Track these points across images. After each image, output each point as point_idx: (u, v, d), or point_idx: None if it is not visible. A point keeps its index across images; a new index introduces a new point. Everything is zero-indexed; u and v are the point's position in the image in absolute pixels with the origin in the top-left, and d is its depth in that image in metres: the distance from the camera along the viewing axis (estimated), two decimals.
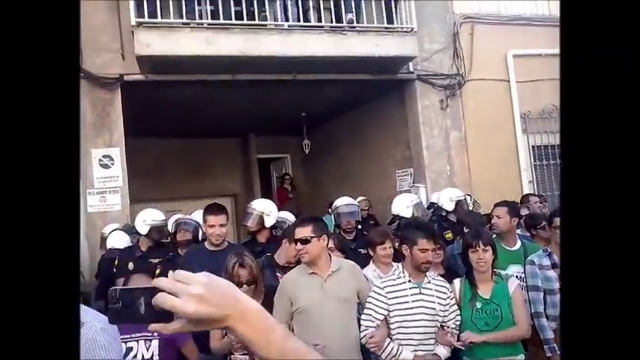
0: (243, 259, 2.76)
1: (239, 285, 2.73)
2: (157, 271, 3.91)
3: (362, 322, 2.90)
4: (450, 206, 4.90)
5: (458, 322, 2.98)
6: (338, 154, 8.86)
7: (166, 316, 0.76)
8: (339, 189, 8.32)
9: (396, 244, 3.97)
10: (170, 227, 4.72)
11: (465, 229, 4.15)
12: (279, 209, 8.09)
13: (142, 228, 4.44)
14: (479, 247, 2.99)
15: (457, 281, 3.13)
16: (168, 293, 0.75)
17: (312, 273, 2.85)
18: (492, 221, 3.73)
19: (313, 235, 2.81)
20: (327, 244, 2.96)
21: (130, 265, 4.25)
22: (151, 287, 0.76)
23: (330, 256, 2.97)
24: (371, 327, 2.87)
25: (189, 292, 0.74)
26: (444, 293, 2.98)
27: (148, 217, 4.48)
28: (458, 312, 3.00)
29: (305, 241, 2.80)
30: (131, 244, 4.71)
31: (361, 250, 4.10)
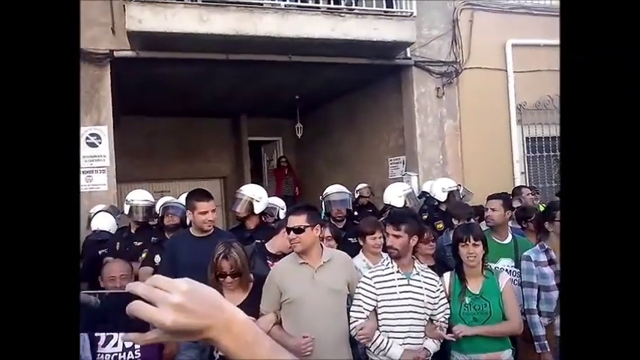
0: (230, 250, 2.67)
1: (223, 276, 2.66)
2: (143, 255, 3.83)
3: (351, 313, 2.86)
4: (442, 196, 4.86)
5: (447, 316, 2.96)
6: (331, 139, 8.78)
7: (142, 324, 0.69)
8: (331, 174, 8.28)
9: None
10: (157, 210, 4.64)
11: (453, 220, 4.12)
12: (276, 191, 8.08)
13: (125, 207, 4.39)
14: (469, 241, 2.95)
15: (447, 275, 3.10)
16: (145, 301, 0.68)
17: (303, 263, 2.79)
18: (487, 214, 3.69)
19: (307, 225, 2.74)
20: (320, 234, 2.90)
21: (117, 246, 4.19)
22: (126, 293, 0.70)
23: (321, 246, 2.91)
24: (360, 318, 2.84)
25: (168, 300, 0.68)
26: (434, 285, 2.94)
27: (130, 197, 4.42)
28: (447, 305, 2.97)
29: (298, 230, 2.73)
30: (117, 226, 4.64)
31: (350, 239, 4.06)
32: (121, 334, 0.73)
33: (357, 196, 5.92)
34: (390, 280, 2.90)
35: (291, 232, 2.74)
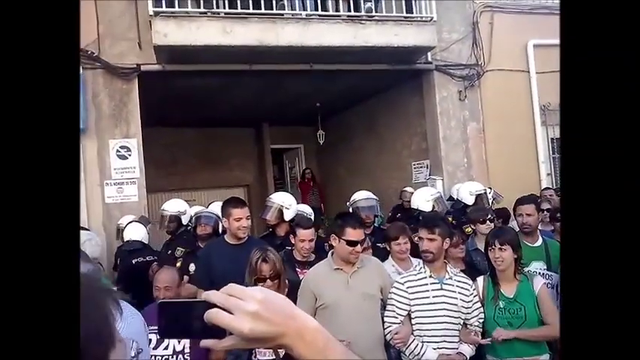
0: (267, 254, 2.74)
1: (262, 280, 2.71)
2: (178, 264, 3.91)
3: (385, 318, 2.89)
4: (470, 200, 4.84)
5: (481, 320, 2.95)
6: (352, 145, 8.80)
7: (219, 331, 0.72)
8: (353, 179, 8.30)
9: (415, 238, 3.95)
10: (185, 219, 4.72)
11: (471, 225, 4.13)
12: (303, 203, 8.15)
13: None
14: (495, 246, 2.94)
15: (480, 279, 3.09)
16: (221, 308, 0.71)
17: (338, 269, 2.83)
18: (523, 220, 3.64)
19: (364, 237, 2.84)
20: None
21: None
22: (202, 301, 0.73)
23: None
24: (394, 323, 2.85)
25: (244, 309, 0.70)
26: (467, 290, 2.94)
27: (162, 207, 4.54)
28: (481, 309, 2.96)
29: (362, 243, 2.83)
30: (149, 235, 4.75)
31: (379, 244, 4.08)
32: (202, 341, 0.75)
33: (403, 198, 5.99)
34: (423, 285, 2.91)
35: (358, 245, 2.80)
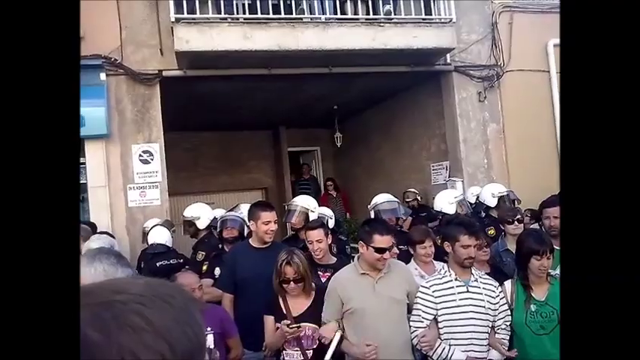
0: (292, 257, 2.78)
1: (286, 282, 2.74)
2: (204, 267, 3.96)
3: (411, 322, 2.89)
4: (492, 202, 4.81)
5: (508, 322, 2.93)
6: (370, 147, 8.79)
7: None
8: (371, 182, 8.29)
9: (438, 241, 3.94)
10: (202, 223, 4.78)
11: (501, 225, 4.10)
12: None
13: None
14: (545, 254, 2.86)
15: (508, 283, 3.06)
16: None
17: (364, 274, 2.84)
18: (551, 222, 3.59)
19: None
20: None
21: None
22: None
23: None
24: (420, 327, 2.85)
25: None
26: (493, 292, 2.92)
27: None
28: (508, 312, 2.94)
29: (390, 249, 2.83)
30: (172, 239, 4.81)
31: (401, 246, 4.07)
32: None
33: (406, 199, 6.03)
34: (449, 289, 2.90)
35: (386, 252, 2.80)
